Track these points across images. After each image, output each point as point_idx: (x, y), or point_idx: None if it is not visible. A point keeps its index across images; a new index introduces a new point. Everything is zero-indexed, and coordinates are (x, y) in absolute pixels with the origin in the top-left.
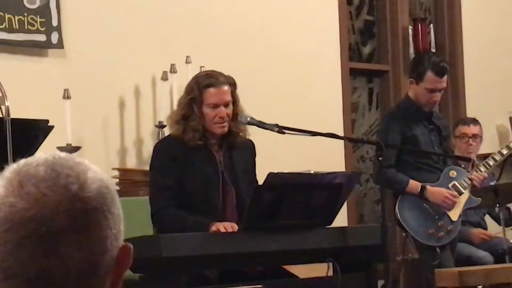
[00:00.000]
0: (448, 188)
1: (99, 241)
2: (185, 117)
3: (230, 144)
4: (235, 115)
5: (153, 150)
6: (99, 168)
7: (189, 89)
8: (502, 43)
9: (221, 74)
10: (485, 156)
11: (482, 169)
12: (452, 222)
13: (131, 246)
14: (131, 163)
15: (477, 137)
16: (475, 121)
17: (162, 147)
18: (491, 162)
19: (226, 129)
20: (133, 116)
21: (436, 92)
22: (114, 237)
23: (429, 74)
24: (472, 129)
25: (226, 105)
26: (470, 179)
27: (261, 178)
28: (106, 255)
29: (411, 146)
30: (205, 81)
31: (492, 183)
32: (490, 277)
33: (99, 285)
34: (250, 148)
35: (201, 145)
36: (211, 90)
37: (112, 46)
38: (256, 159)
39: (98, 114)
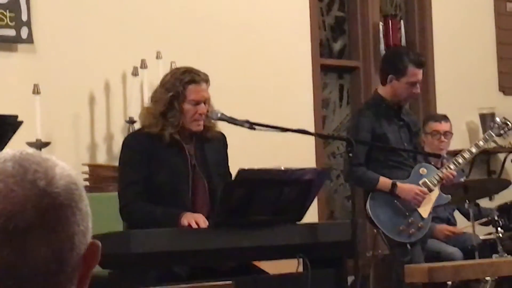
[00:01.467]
0: (419, 185)
1: (67, 237)
2: (164, 114)
3: (202, 138)
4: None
5: (123, 144)
6: (68, 163)
7: (170, 85)
8: (472, 40)
9: (198, 70)
10: (455, 153)
11: (452, 166)
12: (422, 218)
13: (99, 243)
14: (101, 158)
15: (448, 134)
16: (446, 118)
17: (131, 141)
18: (460, 160)
19: (201, 127)
20: (103, 111)
21: (417, 84)
22: (82, 234)
23: (411, 68)
24: (443, 126)
25: (205, 102)
26: (441, 178)
27: (232, 175)
28: (73, 252)
29: (380, 143)
30: (187, 77)
31: (462, 180)
32: (459, 273)
33: (66, 282)
34: (221, 141)
35: (172, 139)
36: (194, 86)
37: (82, 41)
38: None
39: (68, 109)
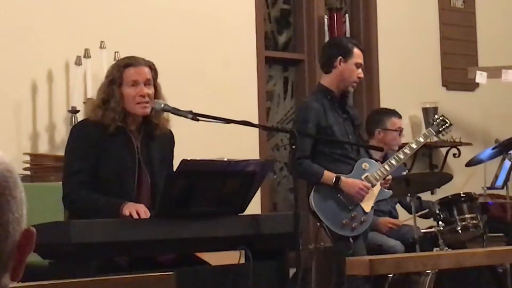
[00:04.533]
0: (361, 179)
1: (1, 225)
2: (105, 101)
3: (149, 133)
4: None
5: (70, 132)
6: (9, 153)
7: (109, 72)
8: (416, 35)
9: (142, 58)
10: (399, 147)
11: (394, 162)
12: (365, 213)
13: (34, 230)
14: (43, 148)
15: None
16: None
17: (80, 129)
18: (401, 155)
19: (148, 110)
20: (45, 101)
21: (360, 68)
22: (16, 222)
23: (355, 49)
24: (402, 122)
25: (146, 83)
26: (383, 174)
27: (175, 166)
28: (8, 240)
29: (326, 136)
30: (125, 61)
31: (404, 173)
32: (400, 265)
33: (1, 269)
34: (169, 138)
35: (120, 130)
36: (131, 69)
37: (25, 30)
38: None
39: (10, 98)
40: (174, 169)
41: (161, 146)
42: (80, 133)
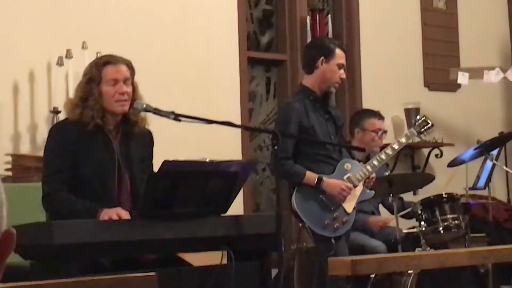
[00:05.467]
0: (343, 180)
1: None
2: (83, 99)
3: (127, 132)
4: (133, 100)
5: (49, 131)
6: None
7: (87, 70)
8: (398, 36)
9: (120, 57)
10: (381, 147)
11: (376, 163)
12: (347, 213)
13: (14, 231)
14: (25, 148)
15: (384, 132)
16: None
17: (58, 129)
18: (383, 156)
19: (126, 108)
20: (27, 101)
21: (342, 68)
22: None
23: (338, 50)
24: (383, 124)
25: (125, 81)
26: (365, 175)
27: (156, 166)
28: None
29: (308, 137)
30: (103, 59)
31: (386, 174)
32: (382, 266)
33: None
34: (147, 138)
35: (99, 130)
36: (109, 67)
37: (6, 30)
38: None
39: None
40: (154, 168)
41: (140, 145)
42: (59, 132)
